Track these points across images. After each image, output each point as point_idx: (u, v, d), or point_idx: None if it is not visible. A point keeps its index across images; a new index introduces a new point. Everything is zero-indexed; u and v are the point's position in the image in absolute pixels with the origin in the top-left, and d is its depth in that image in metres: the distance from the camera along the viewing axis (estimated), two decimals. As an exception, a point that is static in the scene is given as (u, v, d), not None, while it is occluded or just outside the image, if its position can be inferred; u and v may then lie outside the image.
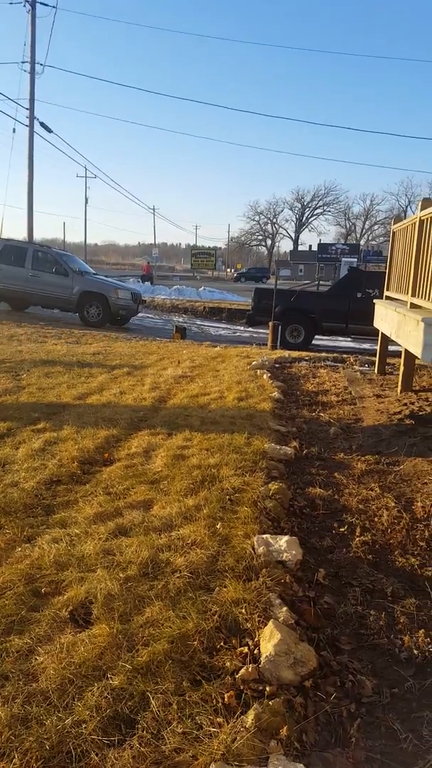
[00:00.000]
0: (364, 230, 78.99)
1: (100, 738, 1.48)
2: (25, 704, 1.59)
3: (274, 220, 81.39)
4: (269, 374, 6.92)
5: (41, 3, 19.76)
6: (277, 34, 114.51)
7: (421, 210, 5.14)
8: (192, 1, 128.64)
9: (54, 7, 20.21)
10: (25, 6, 19.67)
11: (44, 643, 1.86)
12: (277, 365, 8.09)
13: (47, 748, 1.44)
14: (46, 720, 1.53)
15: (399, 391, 6.08)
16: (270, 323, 11.13)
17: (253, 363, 7.68)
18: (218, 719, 1.53)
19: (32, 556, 2.42)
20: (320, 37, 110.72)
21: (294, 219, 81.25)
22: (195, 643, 1.85)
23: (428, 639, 2.05)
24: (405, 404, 5.42)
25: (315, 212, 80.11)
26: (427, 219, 4.89)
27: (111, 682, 1.67)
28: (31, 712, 1.56)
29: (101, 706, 1.57)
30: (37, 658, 1.79)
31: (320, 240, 70.41)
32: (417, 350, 4.69)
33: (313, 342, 12.50)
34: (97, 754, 1.43)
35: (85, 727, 1.50)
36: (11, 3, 19.86)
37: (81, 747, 1.45)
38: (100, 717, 1.54)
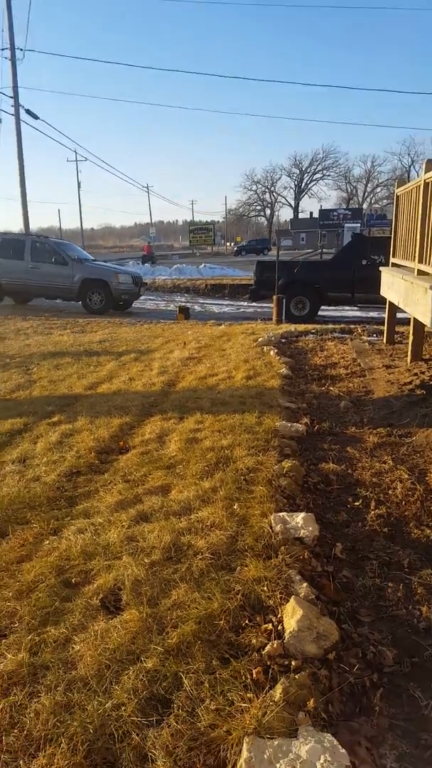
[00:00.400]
0: (366, 193, 77.28)
1: (139, 719, 1.57)
2: (67, 691, 1.69)
3: (272, 189, 79.83)
4: (276, 350, 6.93)
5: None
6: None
7: (426, 172, 5.01)
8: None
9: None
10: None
11: (79, 631, 1.96)
12: (283, 340, 8.09)
13: (91, 731, 1.54)
14: (88, 705, 1.62)
15: (409, 360, 6.08)
16: (274, 297, 11.07)
17: (260, 339, 7.69)
18: (248, 695, 1.62)
19: (60, 548, 2.51)
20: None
21: (293, 186, 79.62)
22: (221, 622, 1.94)
23: (446, 606, 2.12)
24: (415, 374, 5.43)
25: (314, 177, 78.36)
26: None
27: (145, 664, 1.76)
28: (73, 698, 1.66)
29: (138, 688, 1.67)
30: (74, 646, 1.88)
31: (321, 206, 69.43)
32: (426, 318, 4.67)
33: (319, 313, 12.42)
34: (137, 734, 1.53)
35: (124, 710, 1.60)
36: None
37: (122, 728, 1.55)
38: (138, 699, 1.63)
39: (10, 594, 2.21)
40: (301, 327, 9.50)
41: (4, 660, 1.84)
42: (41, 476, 3.35)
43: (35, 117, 20.40)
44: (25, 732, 1.56)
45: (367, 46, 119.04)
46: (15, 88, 19.61)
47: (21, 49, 19.90)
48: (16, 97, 19.63)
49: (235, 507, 2.78)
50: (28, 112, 20.09)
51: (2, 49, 19.66)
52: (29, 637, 1.94)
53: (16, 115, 19.75)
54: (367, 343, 7.63)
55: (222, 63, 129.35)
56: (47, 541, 2.61)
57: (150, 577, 2.23)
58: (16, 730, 1.57)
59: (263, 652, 1.78)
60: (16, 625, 2.03)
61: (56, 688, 1.70)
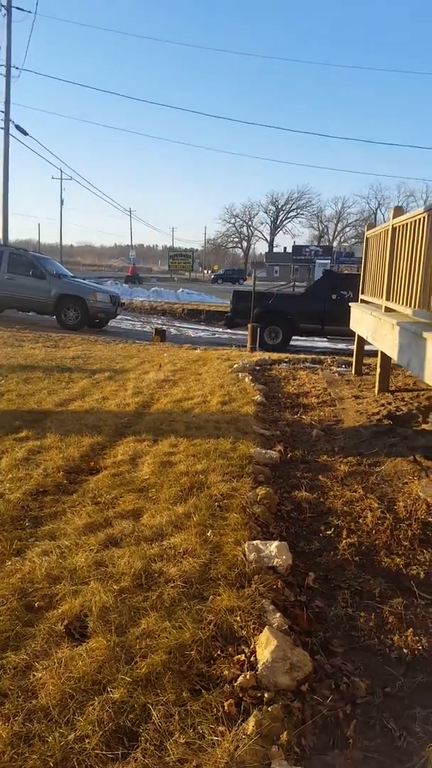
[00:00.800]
0: (336, 232, 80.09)
1: (103, 752, 1.49)
2: (26, 721, 1.59)
3: (250, 223, 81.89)
4: (251, 377, 6.98)
5: (17, 8, 19.59)
6: (254, 44, 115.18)
7: (393, 218, 5.28)
8: (169, 9, 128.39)
9: (30, 12, 20.20)
10: (0, 11, 19.48)
11: (41, 658, 1.86)
12: (257, 368, 8.16)
13: (51, 765, 1.45)
14: (49, 736, 1.53)
15: (376, 391, 6.21)
16: (249, 325, 11.23)
17: (235, 366, 7.73)
18: (220, 728, 1.56)
19: (23, 570, 2.41)
20: (293, 47, 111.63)
21: (269, 222, 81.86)
22: (192, 652, 1.88)
23: (416, 637, 2.12)
24: (383, 405, 5.54)
25: (289, 215, 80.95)
26: (399, 227, 5.01)
27: (111, 695, 1.68)
28: (33, 729, 1.56)
29: (103, 720, 1.59)
30: (36, 674, 1.79)
31: (294, 242, 71.04)
32: (393, 353, 4.80)
33: (291, 343, 12.66)
34: (102, 769, 1.45)
35: (88, 742, 1.52)
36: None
37: (85, 762, 1.46)
38: (103, 731, 1.55)
39: (-32, 616, 2.09)
40: (275, 356, 9.62)
41: (-40, 687, 1.73)
42: (5, 493, 3.23)
43: (24, 133, 20.52)
44: (-21, 766, 1.46)
45: (337, 100, 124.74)
46: (7, 103, 19.74)
47: (17, 68, 20.18)
48: (7, 112, 19.75)
49: (208, 534, 2.73)
50: (17, 127, 20.21)
51: (-1, 65, 19.83)
52: (-13, 663, 1.83)
53: (6, 129, 19.84)
54: (336, 374, 7.77)
55: (211, 102, 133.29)
56: (9, 562, 2.50)
57: (119, 604, 2.15)
58: (-31, 765, 1.47)
59: (235, 684, 1.73)
60: (-27, 650, 1.92)
61: (15, 717, 1.61)
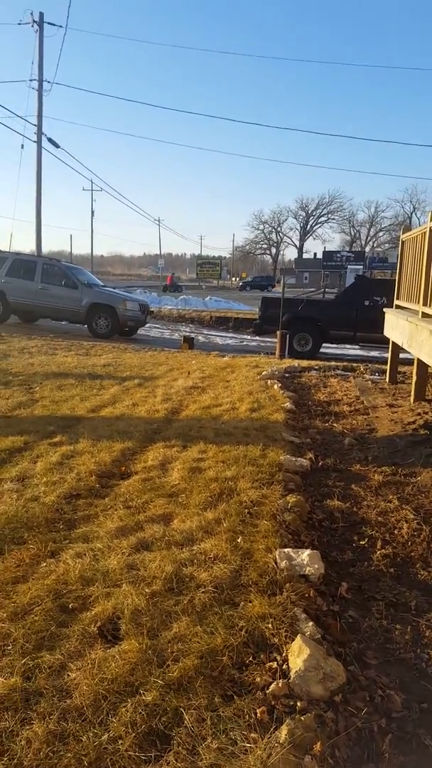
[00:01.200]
0: (369, 237, 79.19)
1: (137, 754, 1.50)
2: (61, 720, 1.61)
3: (279, 229, 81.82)
4: (280, 384, 6.94)
5: (48, 23, 20.17)
6: (282, 46, 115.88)
7: (431, 220, 5.19)
8: (200, 16, 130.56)
9: (61, 26, 20.72)
10: (33, 26, 20.09)
11: (75, 659, 1.89)
12: (287, 375, 8.12)
13: (85, 764, 1.46)
14: (83, 736, 1.55)
15: (412, 400, 6.09)
16: (278, 332, 11.18)
17: (263, 373, 7.71)
18: (252, 735, 1.55)
19: (58, 572, 2.45)
20: (326, 49, 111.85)
21: (298, 227, 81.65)
22: (224, 658, 1.87)
23: (454, 653, 2.06)
24: (419, 414, 5.43)
25: (319, 220, 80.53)
26: (438, 229, 4.92)
27: (144, 697, 1.69)
28: (68, 728, 1.59)
29: (136, 721, 1.60)
30: (70, 674, 1.81)
31: (325, 247, 70.62)
32: (430, 359, 4.71)
33: (321, 350, 12.53)
34: (135, 771, 1.45)
35: (121, 743, 1.53)
36: (20, 23, 20.33)
37: (118, 763, 1.47)
38: (136, 733, 1.56)
39: (5, 615, 2.14)
40: (304, 363, 9.55)
41: (-4, 684, 1.76)
42: (40, 496, 3.30)
43: (56, 146, 21.06)
44: (15, 761, 1.49)
45: (374, 101, 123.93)
46: (39, 117, 20.30)
47: (49, 82, 20.72)
48: (39, 126, 20.31)
49: (238, 540, 2.72)
50: (50, 140, 20.76)
51: (30, 80, 20.46)
52: (23, 661, 1.87)
53: (39, 142, 20.40)
54: (369, 382, 7.66)
55: (238, 108, 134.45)
56: (44, 564, 2.55)
57: (150, 608, 2.17)
58: (5, 758, 1.50)
59: (268, 691, 1.72)
60: (9, 648, 1.96)
61: (50, 716, 1.63)
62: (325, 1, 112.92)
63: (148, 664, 1.84)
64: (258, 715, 1.63)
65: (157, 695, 1.70)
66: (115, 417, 5.18)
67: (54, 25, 20.30)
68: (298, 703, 1.67)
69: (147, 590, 2.28)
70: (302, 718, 1.59)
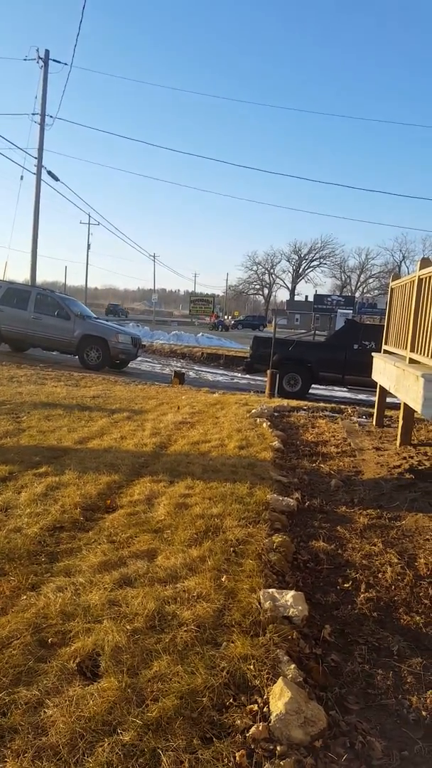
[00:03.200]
0: (359, 283, 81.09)
1: (112, 797, 1.46)
2: (36, 759, 1.57)
3: (272, 271, 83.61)
4: (269, 423, 6.99)
5: (54, 60, 20.99)
6: (279, 95, 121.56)
7: (420, 269, 5.37)
8: (196, 60, 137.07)
9: (66, 64, 21.52)
10: (38, 62, 20.84)
11: (53, 695, 1.85)
12: (276, 414, 8.18)
13: (59, 806, 1.42)
14: (57, 777, 1.51)
15: (398, 444, 6.16)
16: (268, 371, 11.33)
17: (253, 411, 7.77)
18: (231, 780, 1.52)
19: (38, 605, 2.41)
20: (323, 100, 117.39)
21: (291, 270, 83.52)
22: (204, 699, 1.84)
23: (435, 701, 2.04)
24: (404, 458, 5.49)
25: (311, 264, 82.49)
26: (426, 278, 5.11)
27: (122, 737, 1.66)
28: (42, 767, 1.54)
29: (112, 762, 1.56)
30: (46, 710, 1.77)
31: (316, 291, 72.06)
32: (417, 405, 4.80)
33: (310, 391, 12.68)
34: None
35: (97, 785, 1.49)
36: (25, 59, 21.09)
37: (93, 806, 1.44)
38: (112, 775, 1.52)
39: (-18, 649, 2.10)
40: (293, 403, 9.64)
41: (-30, 720, 1.72)
42: (23, 528, 3.26)
43: (56, 179, 21.59)
44: (-14, 804, 1.44)
45: (365, 150, 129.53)
46: (40, 150, 20.86)
47: (51, 116, 21.37)
48: (40, 158, 20.85)
49: (223, 579, 2.71)
50: (49, 173, 21.28)
51: (33, 114, 21.11)
52: (-1, 697, 1.83)
53: (38, 175, 20.90)
54: (357, 424, 7.74)
55: (235, 151, 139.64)
56: (24, 597, 2.51)
57: (131, 645, 2.14)
58: (-24, 801, 1.45)
59: (247, 735, 1.69)
60: (-15, 683, 1.91)
61: (24, 754, 1.59)
62: (321, 56, 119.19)
63: (127, 702, 1.81)
64: (237, 758, 1.60)
65: (135, 735, 1.66)
66: (103, 449, 5.17)
67: (59, 62, 21.01)
68: (278, 748, 1.65)
69: (128, 627, 2.25)
70: (282, 763, 1.57)
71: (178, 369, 15.07)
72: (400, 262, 73.89)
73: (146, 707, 1.79)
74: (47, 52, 20.72)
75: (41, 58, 20.72)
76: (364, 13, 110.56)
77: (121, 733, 1.68)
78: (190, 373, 16.21)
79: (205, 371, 17.74)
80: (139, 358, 16.30)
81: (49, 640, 2.17)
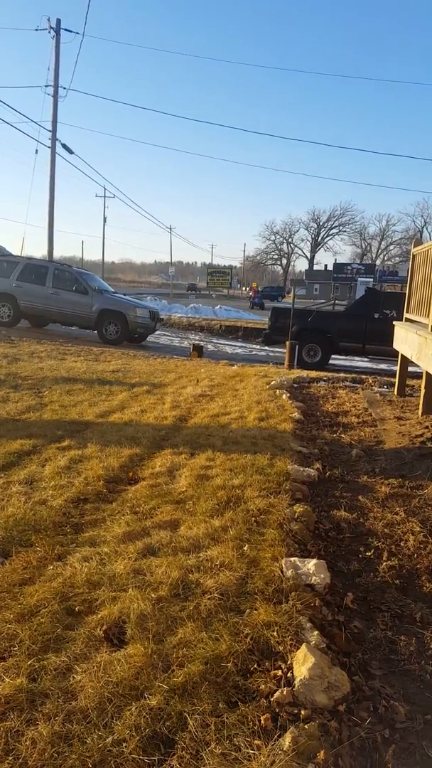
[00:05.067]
0: (379, 250, 79.18)
1: (140, 757, 1.51)
2: (66, 722, 1.63)
3: (290, 240, 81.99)
4: (288, 394, 6.95)
5: (66, 30, 20.47)
6: (297, 58, 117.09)
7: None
8: (214, 27, 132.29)
9: (78, 33, 20.98)
10: (49, 32, 20.37)
11: (81, 661, 1.90)
12: (295, 385, 8.12)
13: (90, 766, 1.48)
14: (87, 738, 1.56)
15: (420, 413, 6.08)
16: (287, 342, 11.21)
17: (272, 383, 7.73)
18: (256, 741, 1.55)
19: (64, 575, 2.47)
20: (339, 61, 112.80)
21: (309, 239, 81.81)
22: (229, 665, 1.88)
23: (459, 667, 2.05)
24: (426, 427, 5.41)
25: (330, 232, 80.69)
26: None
27: (149, 701, 1.70)
28: (72, 729, 1.60)
29: (140, 725, 1.61)
30: (75, 676, 1.83)
31: (336, 259, 70.66)
32: (439, 373, 4.70)
33: (330, 362, 12.54)
34: (139, 773, 1.46)
35: (125, 746, 1.54)
36: (36, 29, 20.65)
37: (123, 766, 1.48)
38: (140, 736, 1.57)
39: (11, 616, 2.16)
40: (313, 374, 9.56)
41: (2, 683, 1.78)
42: (48, 500, 3.32)
43: (70, 152, 21.33)
44: (20, 761, 1.50)
45: (383, 114, 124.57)
46: (54, 122, 20.59)
47: (64, 88, 20.99)
48: (54, 131, 20.59)
49: (245, 548, 2.73)
50: (64, 146, 21.03)
51: (46, 86, 20.75)
52: (29, 663, 1.88)
53: (53, 148, 20.66)
54: (378, 394, 7.64)
55: (253, 117, 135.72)
56: (51, 566, 2.57)
57: (156, 613, 2.18)
58: (10, 758, 1.51)
59: (272, 699, 1.72)
60: (15, 649, 1.98)
61: (55, 717, 1.65)
62: (350, 18, 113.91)
63: (153, 668, 1.85)
64: (262, 722, 1.63)
65: (162, 700, 1.71)
66: (124, 423, 5.21)
67: (71, 31, 20.51)
68: (302, 712, 1.68)
69: (153, 595, 2.29)
70: (306, 726, 1.59)
71: (197, 342, 15.03)
72: (422, 227, 71.83)
73: (172, 672, 1.83)
74: (59, 21, 20.23)
75: (53, 28, 20.25)
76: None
77: (148, 697, 1.72)
78: (209, 346, 16.16)
79: (223, 344, 17.66)
80: (157, 332, 16.29)
81: (77, 609, 2.23)
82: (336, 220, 79.00)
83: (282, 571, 2.48)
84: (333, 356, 12.72)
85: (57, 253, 22.30)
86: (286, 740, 1.53)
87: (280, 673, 1.84)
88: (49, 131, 20.66)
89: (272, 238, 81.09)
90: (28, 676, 1.82)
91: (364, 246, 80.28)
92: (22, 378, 7.15)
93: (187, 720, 1.63)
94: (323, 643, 2.00)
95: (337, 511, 3.42)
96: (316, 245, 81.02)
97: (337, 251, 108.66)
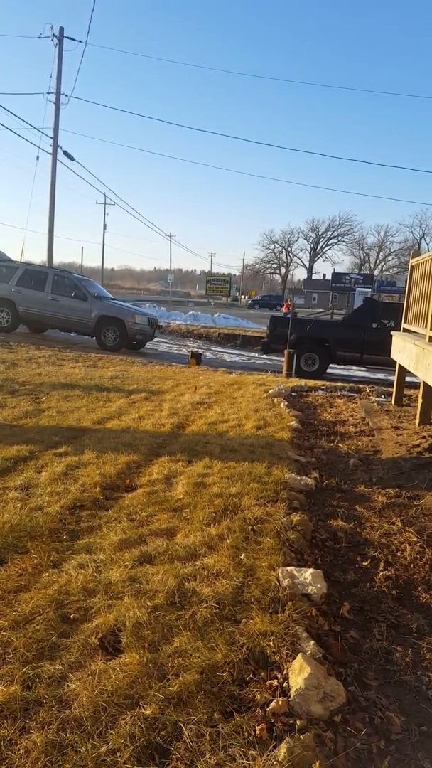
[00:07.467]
0: (378, 261, 79.54)
1: (135, 767, 1.50)
2: (60, 731, 1.61)
3: (289, 249, 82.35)
4: (286, 403, 6.96)
5: (68, 38, 20.66)
6: (297, 69, 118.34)
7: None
8: (215, 37, 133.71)
9: (81, 41, 21.16)
10: (52, 40, 20.55)
11: (76, 669, 1.89)
12: (293, 394, 8.14)
13: (83, 775, 1.46)
14: (81, 747, 1.55)
15: (417, 423, 6.09)
16: (285, 351, 11.24)
17: (270, 391, 7.74)
18: (251, 752, 1.54)
19: (60, 582, 2.46)
20: (340, 73, 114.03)
21: (308, 248, 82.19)
22: (224, 674, 1.87)
23: (455, 678, 2.04)
24: (424, 437, 5.42)
25: (329, 242, 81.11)
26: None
27: (143, 710, 1.69)
28: (66, 738, 1.58)
29: (135, 734, 1.60)
30: (70, 684, 1.81)
31: (334, 269, 70.90)
32: (436, 383, 4.72)
33: (328, 371, 12.57)
34: (133, 784, 1.45)
35: (120, 756, 1.52)
36: (40, 37, 20.80)
37: (117, 775, 1.47)
38: (134, 746, 1.56)
39: (6, 623, 2.15)
40: (311, 382, 9.57)
41: (-4, 691, 1.77)
42: (44, 506, 3.31)
43: (71, 158, 21.47)
44: (13, 771, 1.49)
45: (383, 126, 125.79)
46: (56, 129, 20.73)
47: (66, 95, 21.14)
48: (55, 138, 20.73)
49: (242, 557, 2.72)
50: (65, 153, 21.16)
51: (48, 93, 20.90)
52: (23, 670, 1.87)
53: (54, 155, 20.79)
54: (375, 403, 7.66)
55: (253, 128, 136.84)
56: (47, 573, 2.56)
57: (152, 621, 2.17)
58: (3, 767, 1.50)
59: (267, 709, 1.71)
60: (9, 656, 1.96)
61: (49, 726, 1.63)
62: (348, 30, 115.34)
63: (149, 677, 1.84)
64: (257, 732, 1.62)
65: (157, 709, 1.70)
66: (121, 429, 5.20)
67: (74, 39, 20.70)
68: (298, 722, 1.67)
69: (149, 603, 2.28)
70: (301, 736, 1.59)
71: (195, 349, 15.05)
72: (420, 238, 72.22)
73: (167, 682, 1.82)
74: (62, 29, 20.42)
75: (55, 36, 20.43)
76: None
77: (142, 706, 1.71)
78: (207, 353, 16.19)
79: (221, 351, 17.69)
80: (156, 339, 16.31)
81: (72, 616, 2.22)
82: (335, 230, 79.53)
83: (278, 581, 2.47)
84: (331, 365, 12.75)
85: (57, 259, 22.38)
86: (282, 751, 1.53)
87: (275, 683, 1.83)
88: (51, 138, 20.81)
89: (271, 247, 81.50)
90: (22, 684, 1.81)
91: (362, 256, 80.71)
92: (19, 383, 7.14)
93: (182, 730, 1.62)
94: (319, 653, 1.99)
95: (334, 521, 3.42)
96: (314, 255, 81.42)
97: (336, 261, 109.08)
